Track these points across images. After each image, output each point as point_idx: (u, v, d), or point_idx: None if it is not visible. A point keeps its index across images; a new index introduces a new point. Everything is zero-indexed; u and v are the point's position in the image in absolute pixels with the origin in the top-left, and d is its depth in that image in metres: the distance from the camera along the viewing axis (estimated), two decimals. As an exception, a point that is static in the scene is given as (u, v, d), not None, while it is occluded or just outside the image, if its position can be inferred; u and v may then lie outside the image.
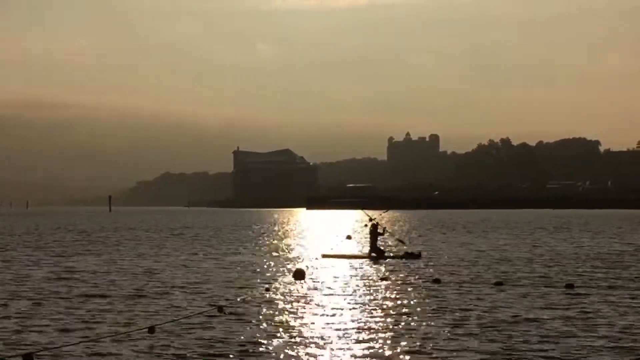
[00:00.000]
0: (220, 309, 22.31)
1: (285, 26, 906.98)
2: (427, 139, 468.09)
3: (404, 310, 22.63)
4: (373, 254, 40.22)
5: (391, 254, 41.37)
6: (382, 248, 41.15)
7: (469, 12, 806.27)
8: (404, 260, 39.21)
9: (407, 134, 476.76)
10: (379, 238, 41.25)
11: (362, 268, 36.01)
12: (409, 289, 27.56)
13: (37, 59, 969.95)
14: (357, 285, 28.86)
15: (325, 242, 58.52)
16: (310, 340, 18.16)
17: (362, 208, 57.17)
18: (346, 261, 39.56)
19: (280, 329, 19.53)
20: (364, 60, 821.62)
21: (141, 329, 19.05)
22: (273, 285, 28.52)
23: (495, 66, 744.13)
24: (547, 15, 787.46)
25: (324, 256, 41.78)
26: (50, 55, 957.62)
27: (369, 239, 41.61)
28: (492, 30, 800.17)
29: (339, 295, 25.98)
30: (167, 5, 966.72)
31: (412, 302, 24.23)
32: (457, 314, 21.85)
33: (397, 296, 25.71)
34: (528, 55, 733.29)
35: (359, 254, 42.51)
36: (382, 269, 35.41)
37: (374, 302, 24.37)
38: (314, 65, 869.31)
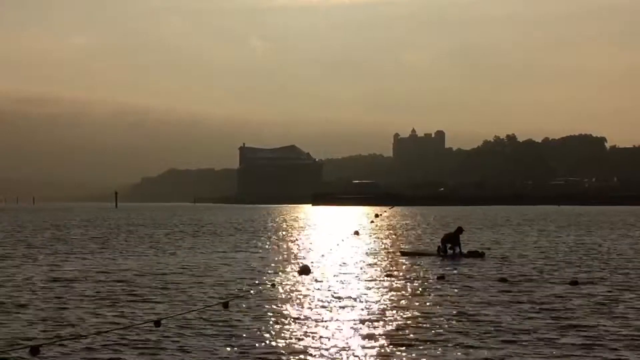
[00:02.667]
0: (225, 304, 22.47)
1: (283, 24, 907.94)
2: (433, 136, 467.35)
3: (406, 305, 22.75)
4: (442, 252, 39.34)
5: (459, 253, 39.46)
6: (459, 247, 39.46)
7: (468, 11, 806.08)
8: (467, 258, 37.95)
9: (413, 130, 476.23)
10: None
11: (376, 264, 36.12)
12: (413, 285, 27.66)
13: (38, 56, 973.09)
14: (362, 281, 28.97)
15: (331, 238, 58.58)
16: (315, 336, 18.29)
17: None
18: (353, 257, 39.64)
19: (286, 325, 19.66)
20: (361, 58, 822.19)
21: (147, 322, 19.23)
22: (279, 281, 28.63)
23: (498, 64, 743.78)
24: (550, 13, 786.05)
25: (403, 253, 41.46)
26: (50, 53, 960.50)
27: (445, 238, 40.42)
28: (492, 28, 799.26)
29: (343, 291, 26.09)
30: (167, 4, 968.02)
31: (414, 298, 24.35)
32: (456, 309, 21.95)
33: (400, 292, 25.82)
34: (534, 52, 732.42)
35: (434, 251, 40.90)
36: (399, 265, 35.54)
37: (378, 298, 24.48)
38: (312, 62, 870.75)
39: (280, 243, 54.09)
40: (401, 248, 45.08)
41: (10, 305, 23.22)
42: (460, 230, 40.39)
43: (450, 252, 39.34)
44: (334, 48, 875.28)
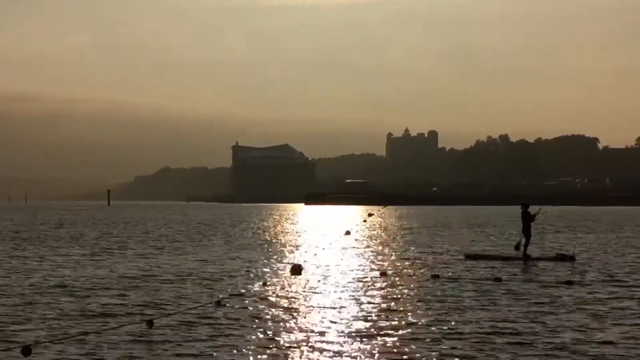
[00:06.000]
0: (217, 303, 22.36)
1: (281, 23, 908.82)
2: (426, 135, 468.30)
3: (399, 304, 22.66)
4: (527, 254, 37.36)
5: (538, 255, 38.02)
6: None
7: (463, 11, 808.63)
8: (554, 263, 35.82)
9: (406, 130, 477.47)
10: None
11: (370, 264, 36.03)
12: (407, 284, 27.57)
13: (31, 56, 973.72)
14: (355, 280, 28.87)
15: (324, 238, 58.51)
16: (307, 336, 18.17)
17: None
18: (355, 258, 39.53)
19: (277, 324, 19.53)
20: (355, 57, 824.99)
21: (140, 323, 19.10)
22: (270, 281, 28.52)
23: (493, 64, 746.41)
24: (544, 14, 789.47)
25: (467, 257, 38.55)
26: (43, 53, 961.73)
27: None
28: (486, 28, 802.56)
29: (335, 290, 25.98)
30: (161, 4, 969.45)
31: (407, 297, 24.26)
32: (449, 308, 21.85)
33: (394, 291, 25.72)
34: (526, 53, 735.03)
35: (505, 254, 39.21)
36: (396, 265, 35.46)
37: (370, 297, 24.37)
38: (305, 61, 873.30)
39: (273, 242, 53.96)
40: (467, 251, 41.38)
41: (0, 305, 23.05)
42: (525, 205, 37.59)
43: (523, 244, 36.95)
44: (327, 47, 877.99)
